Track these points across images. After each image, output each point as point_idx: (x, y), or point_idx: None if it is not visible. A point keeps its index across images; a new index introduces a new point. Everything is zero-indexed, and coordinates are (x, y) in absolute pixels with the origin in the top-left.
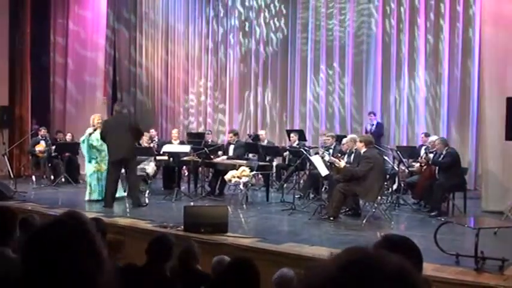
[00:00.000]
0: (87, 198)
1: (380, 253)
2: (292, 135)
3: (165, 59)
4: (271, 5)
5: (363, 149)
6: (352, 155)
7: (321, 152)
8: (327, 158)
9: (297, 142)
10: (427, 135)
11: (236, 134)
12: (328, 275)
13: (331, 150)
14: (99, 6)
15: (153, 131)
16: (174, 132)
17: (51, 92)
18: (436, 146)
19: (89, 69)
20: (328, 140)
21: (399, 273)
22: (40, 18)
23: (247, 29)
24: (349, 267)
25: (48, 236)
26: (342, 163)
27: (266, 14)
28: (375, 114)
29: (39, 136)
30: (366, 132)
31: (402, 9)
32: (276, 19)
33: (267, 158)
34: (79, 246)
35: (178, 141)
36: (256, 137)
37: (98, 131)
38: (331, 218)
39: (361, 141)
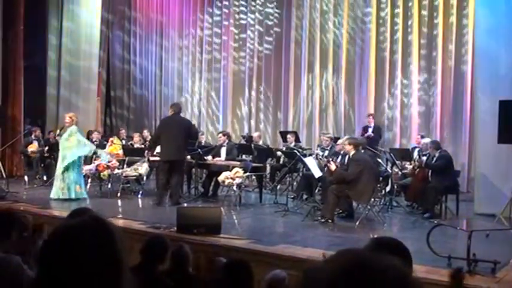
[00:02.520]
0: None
1: (380, 257)
2: (289, 136)
3: (159, 58)
4: (265, 6)
5: (352, 152)
6: (346, 156)
7: (315, 154)
8: (321, 157)
9: (293, 143)
10: (423, 137)
11: (226, 134)
12: (329, 280)
13: (327, 152)
14: (93, 10)
15: (146, 132)
16: None
17: (44, 92)
18: (428, 149)
19: (82, 75)
20: (327, 141)
21: (399, 277)
22: (34, 16)
23: (241, 30)
24: (350, 271)
25: (70, 238)
26: (333, 166)
27: (260, 15)
28: (373, 117)
29: (33, 136)
30: (362, 135)
31: (396, 11)
32: (270, 20)
33: (268, 160)
34: (101, 251)
35: None
36: (250, 138)
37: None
38: (329, 221)
39: (349, 144)
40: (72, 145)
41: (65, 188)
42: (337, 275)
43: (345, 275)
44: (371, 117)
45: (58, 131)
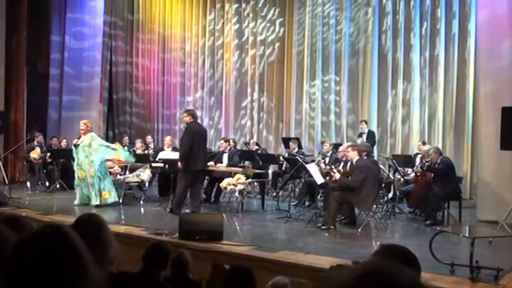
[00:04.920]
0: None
1: (395, 267)
2: (291, 143)
3: (161, 68)
4: (268, 14)
5: (355, 158)
6: (348, 163)
7: (317, 161)
8: (322, 166)
9: (296, 150)
10: (424, 143)
11: (228, 141)
12: (340, 285)
13: (327, 158)
14: (95, 23)
15: (149, 138)
16: (167, 139)
17: (46, 99)
18: (430, 156)
19: (85, 84)
20: (326, 146)
21: (410, 283)
22: (37, 23)
23: (243, 37)
24: (365, 279)
25: (29, 250)
26: (337, 175)
27: (263, 22)
28: (366, 123)
29: (35, 142)
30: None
31: (399, 18)
32: (272, 27)
33: (262, 164)
34: (62, 257)
35: (170, 148)
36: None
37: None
38: (331, 227)
39: (353, 150)
40: (97, 149)
41: (92, 195)
42: (350, 283)
43: (357, 282)
44: (364, 123)
45: (76, 140)
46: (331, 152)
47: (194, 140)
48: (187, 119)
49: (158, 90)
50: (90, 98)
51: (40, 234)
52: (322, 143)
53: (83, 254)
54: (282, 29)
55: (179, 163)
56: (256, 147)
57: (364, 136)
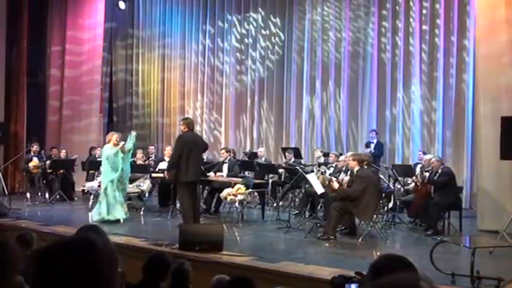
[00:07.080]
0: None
1: (412, 277)
2: (286, 153)
3: (161, 77)
4: (268, 24)
5: (356, 168)
6: (348, 172)
7: (316, 171)
8: (327, 174)
9: (292, 160)
10: (424, 153)
11: (229, 151)
12: None
13: (332, 168)
14: (95, 35)
15: (151, 148)
16: (168, 149)
17: (47, 108)
18: (432, 164)
19: (84, 92)
20: (331, 157)
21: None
22: (37, 32)
23: (243, 47)
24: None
25: (57, 258)
26: (336, 184)
27: (262, 32)
28: (377, 133)
29: (32, 153)
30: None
31: (398, 27)
32: (272, 38)
33: (265, 177)
34: (87, 270)
35: None
36: (252, 155)
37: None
38: (331, 238)
39: (354, 160)
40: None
41: (104, 209)
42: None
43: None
44: (374, 133)
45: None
46: (335, 162)
47: (183, 150)
48: (182, 127)
49: (158, 88)
50: (90, 108)
51: (68, 245)
52: (327, 155)
53: (107, 268)
54: (281, 39)
55: (166, 173)
56: (264, 157)
57: (372, 146)
